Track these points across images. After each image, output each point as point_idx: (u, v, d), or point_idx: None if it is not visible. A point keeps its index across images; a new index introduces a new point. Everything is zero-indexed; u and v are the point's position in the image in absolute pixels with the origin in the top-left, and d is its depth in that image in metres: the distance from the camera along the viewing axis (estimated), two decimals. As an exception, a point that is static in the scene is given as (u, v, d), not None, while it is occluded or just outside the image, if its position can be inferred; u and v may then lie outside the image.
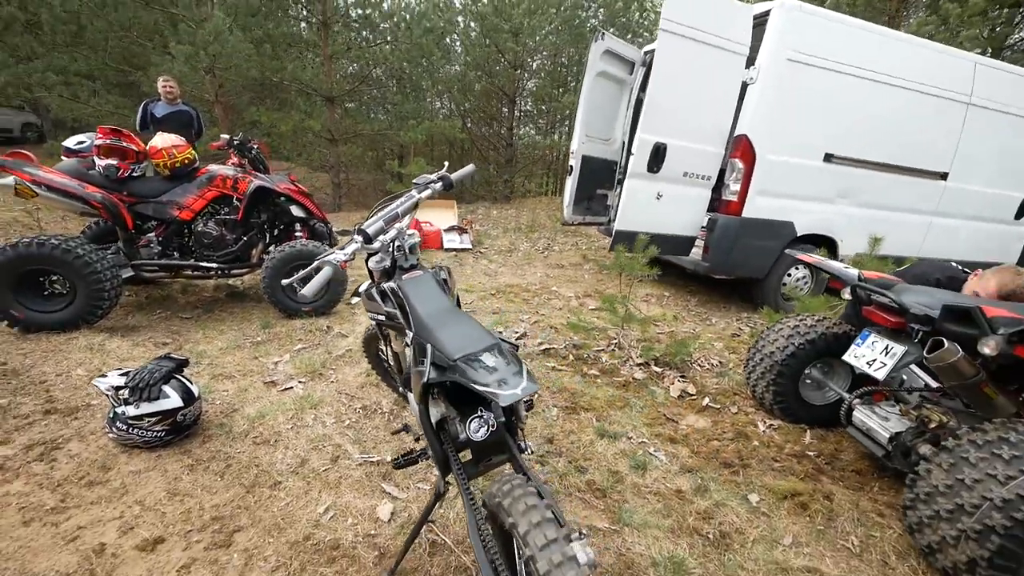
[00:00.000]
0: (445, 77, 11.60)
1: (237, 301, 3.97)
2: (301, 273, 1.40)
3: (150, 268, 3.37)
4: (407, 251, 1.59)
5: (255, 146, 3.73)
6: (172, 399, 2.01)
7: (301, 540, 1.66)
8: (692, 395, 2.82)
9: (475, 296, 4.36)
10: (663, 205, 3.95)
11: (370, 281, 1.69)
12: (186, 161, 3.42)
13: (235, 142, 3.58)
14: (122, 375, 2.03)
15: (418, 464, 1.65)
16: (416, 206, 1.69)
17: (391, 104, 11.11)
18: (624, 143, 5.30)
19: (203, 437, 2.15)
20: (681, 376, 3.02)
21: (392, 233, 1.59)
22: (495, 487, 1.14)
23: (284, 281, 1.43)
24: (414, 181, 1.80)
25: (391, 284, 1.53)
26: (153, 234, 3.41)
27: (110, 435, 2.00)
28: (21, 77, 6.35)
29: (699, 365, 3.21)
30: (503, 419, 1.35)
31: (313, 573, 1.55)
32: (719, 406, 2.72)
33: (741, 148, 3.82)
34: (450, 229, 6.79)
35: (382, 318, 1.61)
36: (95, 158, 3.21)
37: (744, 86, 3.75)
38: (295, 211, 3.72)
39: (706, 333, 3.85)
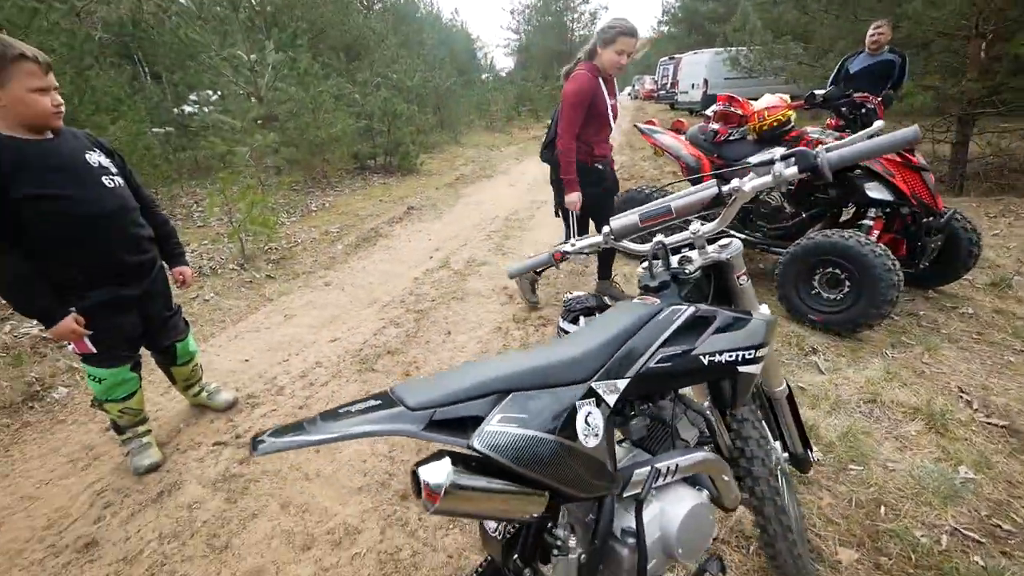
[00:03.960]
0: None
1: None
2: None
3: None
4: (676, 269, 1.08)
5: (867, 104, 2.90)
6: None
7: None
8: None
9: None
10: None
11: None
12: (775, 123, 3.23)
13: (818, 98, 2.95)
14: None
15: None
16: (718, 202, 1.05)
17: None
18: None
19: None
20: None
21: (676, 237, 1.14)
22: None
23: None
24: (749, 160, 1.07)
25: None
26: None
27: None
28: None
29: None
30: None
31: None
32: None
33: None
34: None
35: None
36: (712, 123, 3.69)
37: None
38: (871, 191, 2.74)
39: None
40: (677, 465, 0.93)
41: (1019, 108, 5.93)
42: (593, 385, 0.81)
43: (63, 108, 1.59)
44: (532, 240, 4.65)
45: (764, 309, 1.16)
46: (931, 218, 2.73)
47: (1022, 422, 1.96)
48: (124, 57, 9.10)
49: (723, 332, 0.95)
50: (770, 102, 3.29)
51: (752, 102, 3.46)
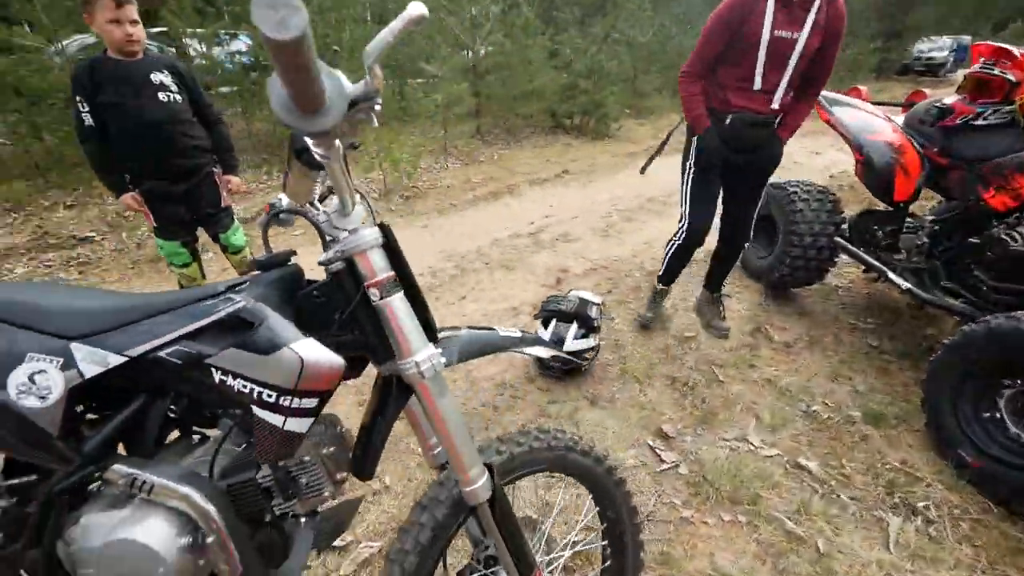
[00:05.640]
0: None
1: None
2: None
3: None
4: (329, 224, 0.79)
5: None
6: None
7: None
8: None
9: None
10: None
11: None
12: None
13: None
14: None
15: None
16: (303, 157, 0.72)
17: None
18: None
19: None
20: None
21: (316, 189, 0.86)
22: None
23: None
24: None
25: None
26: (931, 218, 2.21)
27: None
28: None
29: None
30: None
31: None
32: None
33: None
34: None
35: None
36: (947, 97, 2.22)
37: None
38: None
39: None
40: (153, 485, 0.70)
41: None
42: (73, 347, 0.69)
43: (136, 36, 2.01)
44: (645, 229, 3.88)
45: (424, 352, 0.73)
46: None
47: None
48: None
49: (246, 350, 0.69)
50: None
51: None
